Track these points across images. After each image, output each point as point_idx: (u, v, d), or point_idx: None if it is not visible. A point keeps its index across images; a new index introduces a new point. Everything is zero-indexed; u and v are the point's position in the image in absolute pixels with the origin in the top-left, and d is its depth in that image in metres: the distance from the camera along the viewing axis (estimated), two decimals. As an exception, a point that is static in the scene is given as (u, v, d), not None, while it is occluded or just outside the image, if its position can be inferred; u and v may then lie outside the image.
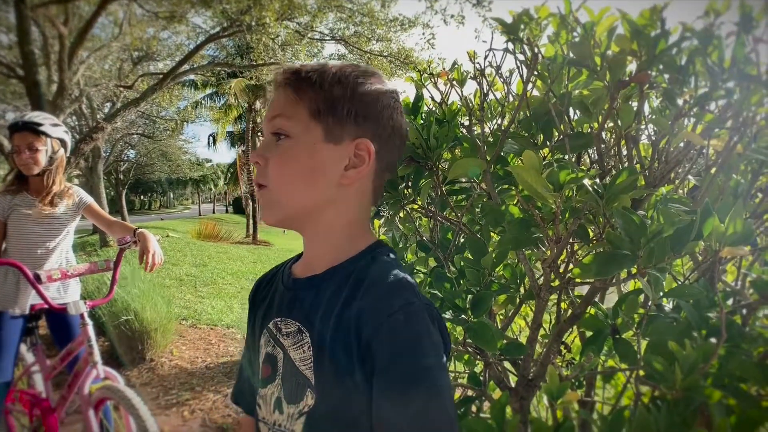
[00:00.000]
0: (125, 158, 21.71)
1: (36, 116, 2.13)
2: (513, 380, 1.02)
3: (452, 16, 8.68)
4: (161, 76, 8.81)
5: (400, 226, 1.20)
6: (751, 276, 0.87)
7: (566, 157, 0.87)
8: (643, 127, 0.94)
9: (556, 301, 1.07)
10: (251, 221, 19.50)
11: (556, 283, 0.91)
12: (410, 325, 0.59)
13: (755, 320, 0.81)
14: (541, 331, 1.06)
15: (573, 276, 0.87)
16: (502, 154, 0.94)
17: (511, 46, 0.95)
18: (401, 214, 1.14)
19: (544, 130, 0.94)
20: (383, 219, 1.18)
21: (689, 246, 0.68)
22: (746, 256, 0.88)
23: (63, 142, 2.20)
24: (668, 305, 0.81)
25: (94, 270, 2.12)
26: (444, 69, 1.15)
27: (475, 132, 1.05)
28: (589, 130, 0.94)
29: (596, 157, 0.98)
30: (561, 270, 0.91)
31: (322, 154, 0.67)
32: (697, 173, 0.97)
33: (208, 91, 20.23)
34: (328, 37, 9.56)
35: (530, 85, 0.94)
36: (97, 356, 1.90)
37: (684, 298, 0.72)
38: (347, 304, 0.64)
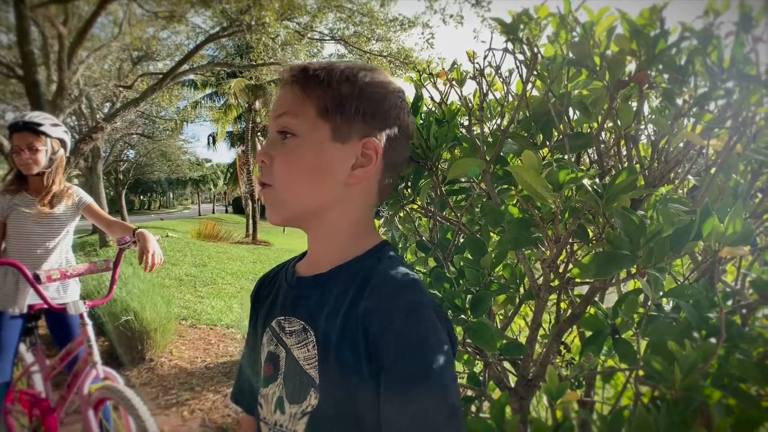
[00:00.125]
0: (125, 158, 21.71)
1: (36, 116, 2.13)
2: (512, 380, 1.02)
3: (451, 16, 8.69)
4: (161, 76, 8.81)
5: (400, 226, 1.20)
6: (751, 276, 0.87)
7: (566, 157, 0.87)
8: (642, 127, 0.94)
9: (555, 301, 1.07)
10: (251, 221, 19.50)
11: (556, 283, 0.91)
12: (418, 324, 0.59)
13: (755, 320, 0.81)
14: (541, 331, 1.06)
15: (572, 276, 0.87)
16: (501, 154, 0.93)
17: (510, 46, 0.95)
18: (401, 214, 1.14)
19: (543, 130, 0.94)
20: (383, 219, 1.18)
21: (689, 246, 0.68)
22: (746, 256, 0.88)
23: (63, 142, 2.20)
24: (668, 305, 0.81)
25: (93, 270, 2.12)
26: (443, 69, 1.15)
27: (475, 132, 1.05)
28: (589, 130, 0.94)
29: (596, 157, 0.98)
30: (560, 270, 0.91)
31: (330, 153, 0.66)
32: (697, 173, 0.97)
33: (208, 91, 20.23)
34: (327, 37, 9.56)
35: (530, 85, 0.94)
36: (97, 356, 1.90)
37: (684, 298, 0.72)
38: (354, 303, 0.63)
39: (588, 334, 0.90)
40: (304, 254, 0.78)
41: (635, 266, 0.69)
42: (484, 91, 1.08)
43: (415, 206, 1.09)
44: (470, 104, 1.07)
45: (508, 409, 0.87)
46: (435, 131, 0.92)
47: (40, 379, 2.26)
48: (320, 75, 0.67)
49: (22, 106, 9.72)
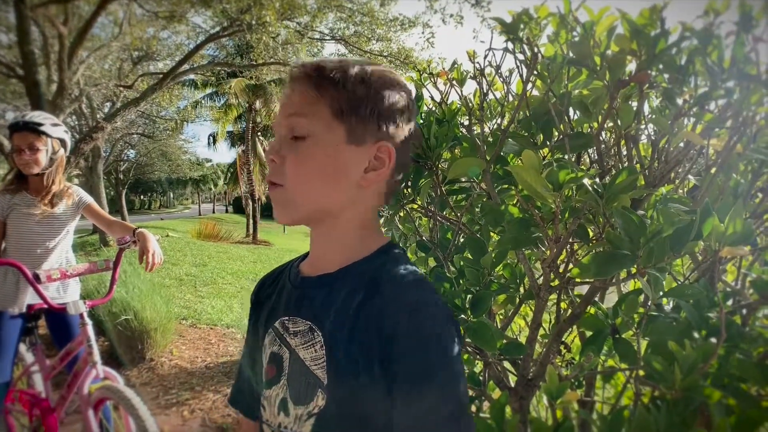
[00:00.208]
0: (125, 158, 21.72)
1: (36, 116, 2.14)
2: (512, 380, 1.02)
3: (451, 16, 8.69)
4: (161, 75, 8.81)
5: (400, 226, 1.19)
6: (751, 276, 0.86)
7: (566, 156, 0.87)
8: (642, 126, 0.94)
9: (555, 300, 1.07)
10: (251, 221, 19.50)
11: (556, 282, 0.91)
12: (431, 323, 0.60)
13: (755, 320, 0.81)
14: (541, 331, 1.06)
15: (573, 276, 0.87)
16: (501, 153, 0.93)
17: (510, 45, 0.95)
18: (401, 214, 1.14)
19: (543, 129, 0.94)
20: (383, 219, 1.18)
21: (689, 246, 0.68)
22: (746, 256, 0.88)
23: (63, 142, 2.21)
24: (668, 305, 0.80)
25: (93, 270, 2.12)
26: (443, 69, 1.15)
27: (475, 132, 1.05)
28: (589, 129, 0.94)
29: (596, 157, 0.98)
30: (561, 270, 0.91)
31: (345, 155, 0.66)
32: (697, 173, 0.97)
33: (208, 90, 20.23)
34: (328, 37, 9.56)
35: (530, 85, 0.94)
36: (97, 356, 1.90)
37: (684, 298, 0.72)
38: (364, 303, 0.63)
39: (588, 334, 0.90)
40: (306, 254, 0.77)
41: (635, 266, 0.69)
42: (485, 91, 1.08)
43: (415, 206, 1.09)
44: (470, 104, 1.06)
45: (508, 409, 0.87)
46: (435, 131, 0.92)
47: (40, 379, 2.26)
48: (335, 75, 0.65)
49: (23, 106, 9.73)
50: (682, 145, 0.87)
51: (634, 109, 0.86)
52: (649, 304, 0.76)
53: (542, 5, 0.91)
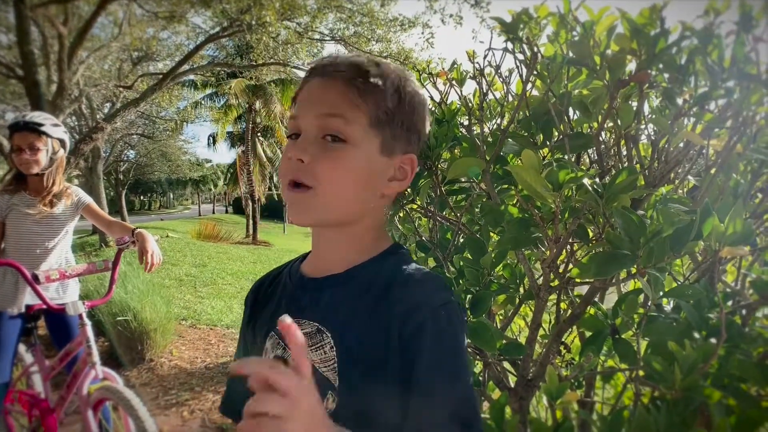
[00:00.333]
0: (125, 158, 21.72)
1: (37, 116, 2.14)
2: (512, 380, 1.02)
3: (450, 16, 8.69)
4: (161, 76, 8.81)
5: (400, 226, 1.19)
6: (751, 276, 0.86)
7: (566, 156, 0.87)
8: (642, 126, 0.94)
9: (555, 301, 1.07)
10: (251, 221, 19.49)
11: (556, 283, 0.90)
12: (451, 322, 0.62)
13: (755, 320, 0.81)
14: (541, 331, 1.05)
15: (572, 276, 0.87)
16: (501, 153, 0.93)
17: (510, 45, 0.95)
18: (401, 214, 1.14)
19: (543, 129, 0.94)
20: (382, 219, 1.17)
21: (689, 246, 0.68)
22: (746, 256, 0.88)
23: (63, 143, 2.21)
24: (668, 305, 0.80)
25: (92, 270, 2.12)
26: (443, 69, 1.15)
27: (475, 132, 1.04)
28: (589, 129, 0.93)
29: (596, 157, 0.98)
30: (560, 270, 0.91)
31: (376, 165, 0.66)
32: (697, 173, 0.97)
33: (208, 91, 20.21)
34: (328, 38, 9.55)
35: (529, 85, 0.93)
36: (96, 357, 1.90)
37: (684, 298, 0.72)
38: (379, 303, 0.63)
39: (588, 334, 0.89)
40: (305, 256, 0.76)
41: (635, 266, 0.69)
42: (484, 91, 1.08)
43: (415, 206, 1.09)
44: (470, 104, 1.06)
45: (507, 409, 0.87)
46: (435, 131, 0.92)
47: (39, 380, 2.26)
48: (378, 83, 0.64)
49: (22, 106, 9.73)
50: (682, 145, 0.87)
51: (634, 108, 0.86)
52: (649, 304, 0.76)
53: (542, 5, 0.91)
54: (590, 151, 1.02)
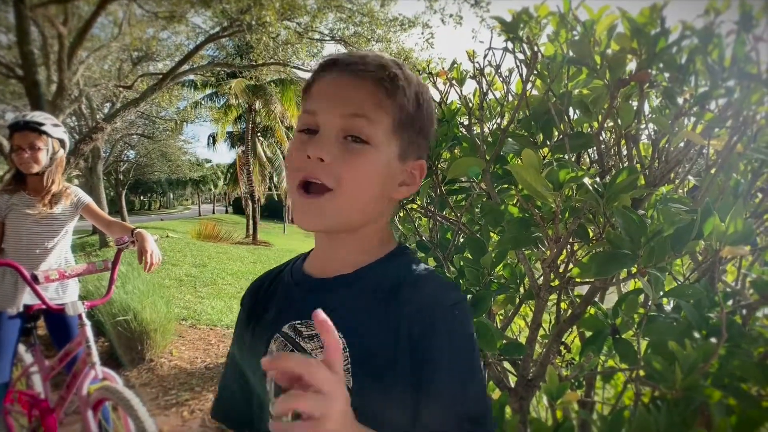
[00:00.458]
0: (125, 158, 21.72)
1: (37, 116, 2.15)
2: (512, 380, 1.02)
3: (450, 16, 8.68)
4: (161, 76, 8.80)
5: (400, 226, 1.19)
6: (751, 276, 0.86)
7: (566, 156, 0.86)
8: (643, 126, 0.94)
9: (555, 301, 1.06)
10: (251, 222, 19.49)
11: (556, 282, 0.90)
12: (463, 320, 0.62)
13: (755, 320, 0.81)
14: (541, 331, 1.05)
15: (573, 276, 0.87)
16: (501, 153, 0.93)
17: (510, 45, 0.95)
18: (401, 214, 1.14)
19: (543, 129, 0.94)
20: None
21: (689, 245, 0.68)
22: (746, 256, 0.87)
23: (63, 143, 2.21)
24: (668, 305, 0.80)
25: (92, 270, 2.12)
26: (443, 68, 1.15)
27: (475, 131, 1.04)
28: (589, 129, 0.93)
29: (596, 157, 0.98)
30: (561, 270, 0.91)
31: (393, 170, 0.65)
32: (697, 173, 0.97)
33: (208, 91, 20.20)
34: (327, 38, 9.55)
35: (530, 84, 0.93)
36: (96, 357, 1.90)
37: (684, 298, 0.72)
38: (389, 303, 0.63)
39: (588, 334, 0.89)
40: (305, 255, 0.75)
41: (636, 266, 0.69)
42: (484, 91, 1.08)
43: (415, 206, 1.09)
44: (470, 104, 1.06)
45: (507, 409, 0.87)
46: (435, 131, 0.92)
47: (39, 380, 2.26)
48: (404, 86, 0.63)
49: (22, 106, 9.72)
50: (682, 144, 0.87)
51: (635, 108, 0.86)
52: (649, 304, 0.76)
53: (542, 4, 0.91)
54: (590, 150, 1.02)
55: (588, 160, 1.06)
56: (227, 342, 4.54)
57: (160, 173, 27.73)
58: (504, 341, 0.90)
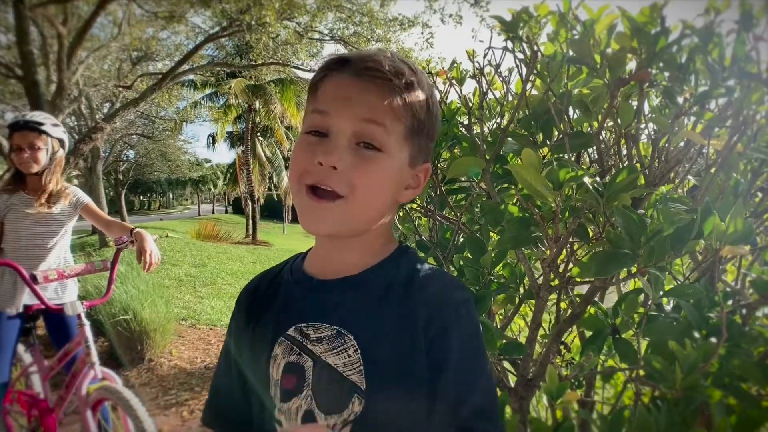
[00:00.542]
0: (124, 158, 21.71)
1: (37, 116, 2.15)
2: (512, 380, 1.02)
3: (450, 15, 8.68)
4: (160, 76, 8.79)
5: (399, 226, 1.19)
6: (751, 276, 0.86)
7: (566, 156, 0.86)
8: (643, 125, 0.94)
9: (555, 300, 1.06)
10: (251, 222, 19.48)
11: (556, 282, 0.90)
12: (472, 318, 0.64)
13: (755, 320, 0.80)
14: (541, 331, 1.05)
15: (573, 275, 0.87)
16: (501, 153, 0.93)
17: (510, 44, 0.94)
18: (400, 214, 1.14)
19: (543, 129, 0.94)
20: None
21: (690, 245, 0.68)
22: (746, 256, 0.87)
23: (62, 143, 2.21)
24: (668, 305, 0.80)
25: (91, 270, 2.12)
26: (443, 68, 1.15)
27: (475, 131, 1.04)
28: (589, 128, 0.93)
29: (596, 156, 0.98)
30: (560, 269, 0.91)
31: (403, 176, 0.65)
32: (697, 172, 0.97)
33: (208, 91, 20.18)
34: (327, 37, 9.54)
35: (529, 84, 0.93)
36: (95, 357, 1.90)
37: (684, 297, 0.72)
38: (401, 303, 0.63)
39: (588, 334, 0.89)
40: (303, 255, 0.74)
41: (636, 265, 0.69)
42: (484, 90, 1.08)
43: (415, 206, 1.09)
44: (470, 103, 1.06)
45: (507, 409, 0.87)
46: (435, 130, 0.92)
47: (38, 380, 2.26)
48: (418, 93, 0.63)
49: (22, 106, 9.71)
50: (682, 144, 0.87)
51: (635, 107, 0.85)
52: (649, 303, 0.76)
53: (542, 4, 0.91)
54: (590, 150, 1.02)
55: (588, 159, 1.06)
56: (227, 342, 4.53)
57: (159, 173, 27.72)
58: (504, 341, 0.90)
